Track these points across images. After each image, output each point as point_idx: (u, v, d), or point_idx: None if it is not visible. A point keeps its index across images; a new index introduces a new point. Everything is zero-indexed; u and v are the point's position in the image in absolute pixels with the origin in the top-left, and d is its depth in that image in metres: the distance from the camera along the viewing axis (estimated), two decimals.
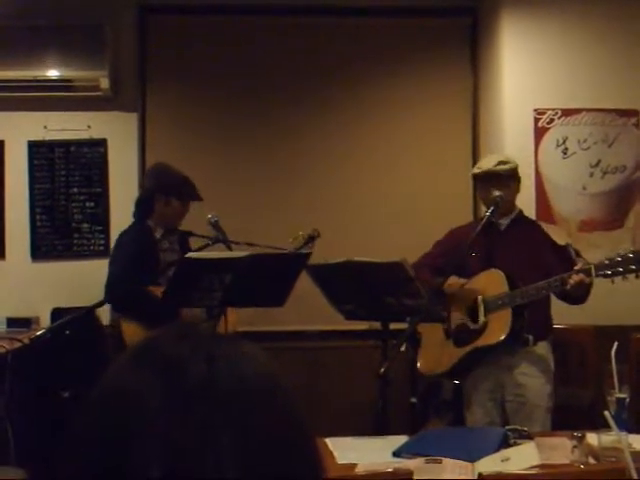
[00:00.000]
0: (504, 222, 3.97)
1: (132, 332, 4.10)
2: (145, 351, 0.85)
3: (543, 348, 3.84)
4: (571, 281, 3.49)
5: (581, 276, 3.47)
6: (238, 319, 4.15)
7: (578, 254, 3.81)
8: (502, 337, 3.70)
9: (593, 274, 3.45)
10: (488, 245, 3.92)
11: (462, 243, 3.79)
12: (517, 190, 3.99)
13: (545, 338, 3.86)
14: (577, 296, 3.64)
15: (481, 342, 3.78)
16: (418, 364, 3.95)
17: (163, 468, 0.76)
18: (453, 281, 3.84)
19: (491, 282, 3.78)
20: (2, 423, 4.06)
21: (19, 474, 3.87)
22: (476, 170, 4.02)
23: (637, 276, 3.38)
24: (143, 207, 4.38)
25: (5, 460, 4.01)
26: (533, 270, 3.74)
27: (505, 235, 3.96)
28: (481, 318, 3.78)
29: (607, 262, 3.41)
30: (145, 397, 0.79)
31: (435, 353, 3.91)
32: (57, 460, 0.83)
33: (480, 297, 3.79)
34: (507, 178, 3.91)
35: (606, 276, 3.43)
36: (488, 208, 3.87)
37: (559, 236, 3.93)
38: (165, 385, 0.79)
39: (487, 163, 3.98)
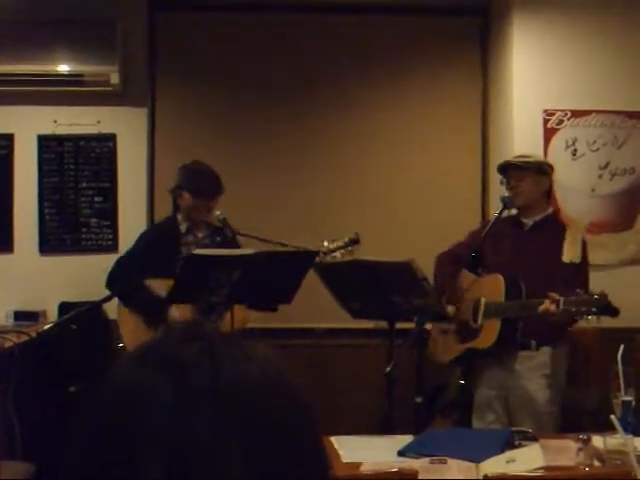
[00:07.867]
0: (529, 222, 3.94)
1: (128, 328, 4.12)
2: (152, 352, 0.85)
3: (546, 353, 3.81)
4: (541, 307, 3.50)
5: (548, 305, 3.48)
6: (248, 316, 4.14)
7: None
8: (490, 343, 3.75)
9: (561, 306, 3.44)
10: (510, 243, 3.90)
11: (485, 237, 3.79)
12: (540, 187, 3.93)
13: (550, 344, 3.82)
14: (552, 322, 3.62)
15: (475, 343, 3.83)
16: (429, 349, 3.98)
17: (169, 467, 0.77)
18: (465, 276, 3.84)
19: (491, 287, 3.78)
20: (9, 417, 4.07)
21: (26, 469, 3.88)
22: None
23: (598, 319, 3.40)
24: (173, 202, 4.45)
25: (12, 455, 4.02)
26: (543, 278, 3.71)
27: (528, 236, 3.92)
28: (479, 320, 3.80)
29: (574, 298, 3.42)
30: (151, 397, 0.80)
31: (442, 341, 3.94)
32: (63, 455, 0.84)
33: (483, 299, 3.80)
34: (523, 170, 3.86)
35: (570, 311, 3.47)
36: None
37: (572, 251, 3.87)
38: (172, 386, 0.80)
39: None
